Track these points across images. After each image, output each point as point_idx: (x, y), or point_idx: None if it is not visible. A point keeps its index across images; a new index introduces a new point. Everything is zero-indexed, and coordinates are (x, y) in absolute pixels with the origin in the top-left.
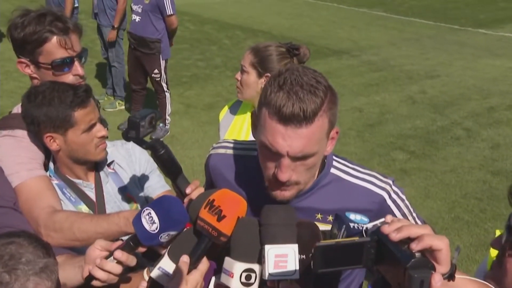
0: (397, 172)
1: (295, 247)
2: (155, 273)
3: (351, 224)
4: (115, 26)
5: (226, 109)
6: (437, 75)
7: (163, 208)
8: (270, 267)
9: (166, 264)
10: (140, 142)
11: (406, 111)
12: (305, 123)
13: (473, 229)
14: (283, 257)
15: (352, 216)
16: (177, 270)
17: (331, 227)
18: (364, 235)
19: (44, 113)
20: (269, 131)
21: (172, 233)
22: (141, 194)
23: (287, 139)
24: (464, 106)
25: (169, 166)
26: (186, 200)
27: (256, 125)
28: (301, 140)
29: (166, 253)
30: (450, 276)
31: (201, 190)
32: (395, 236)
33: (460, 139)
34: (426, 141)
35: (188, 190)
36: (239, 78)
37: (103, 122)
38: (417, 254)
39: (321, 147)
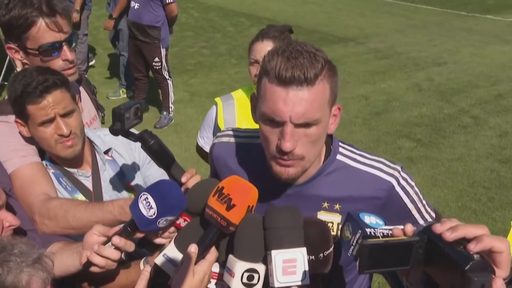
0: (404, 161)
1: (303, 250)
2: (159, 259)
3: (368, 230)
4: (114, 16)
5: (221, 106)
6: (444, 62)
7: (160, 193)
8: (279, 274)
9: (171, 252)
10: (127, 134)
11: (413, 98)
12: (306, 85)
13: (481, 218)
14: (291, 262)
15: (367, 218)
16: (184, 260)
17: (343, 229)
18: None
19: (9, 97)
20: (270, 98)
21: (170, 218)
22: (141, 183)
23: (289, 103)
24: (471, 94)
25: (161, 156)
26: (183, 189)
27: (255, 108)
28: (303, 103)
29: (173, 240)
30: (511, 281)
31: (198, 178)
32: (450, 236)
33: (468, 127)
34: (433, 129)
35: (183, 179)
36: None
37: (100, 108)
38: (476, 256)
39: (323, 117)
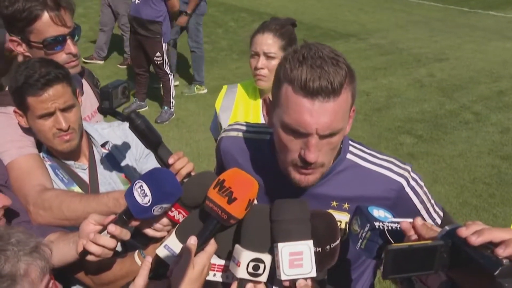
0: (405, 157)
1: (310, 243)
2: (160, 250)
3: (376, 223)
4: (189, 12)
5: (224, 91)
6: (446, 58)
7: (155, 181)
8: (285, 266)
9: (172, 243)
10: (115, 114)
11: (414, 94)
12: (332, 96)
13: (482, 214)
14: (298, 254)
15: (375, 212)
16: (184, 252)
17: (351, 222)
18: (388, 235)
19: (10, 87)
20: (294, 109)
21: (165, 205)
22: (138, 176)
23: (315, 115)
24: (473, 90)
25: (148, 137)
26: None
27: (269, 111)
28: (329, 115)
29: (174, 232)
30: None
31: (185, 160)
32: (476, 240)
33: (469, 123)
34: (434, 125)
35: (171, 160)
36: (265, 66)
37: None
38: (505, 261)
39: (345, 124)
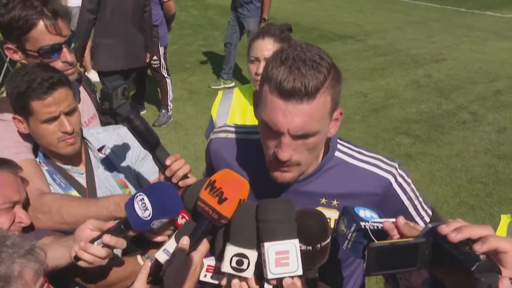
0: (402, 157)
1: (295, 242)
2: (160, 254)
3: (362, 223)
4: (266, 17)
5: (219, 97)
6: (443, 59)
7: (157, 195)
8: (272, 266)
9: (172, 247)
10: (114, 114)
11: (412, 95)
12: (306, 99)
13: (479, 214)
14: (284, 253)
15: (361, 212)
16: (177, 252)
17: (338, 222)
18: (371, 235)
19: (10, 93)
20: (270, 108)
21: (165, 220)
22: (134, 180)
23: (288, 115)
24: (470, 90)
25: (147, 137)
26: (167, 172)
27: (258, 105)
28: (302, 117)
29: (174, 236)
30: None
31: (182, 161)
32: (455, 237)
33: (466, 123)
34: (431, 126)
35: (168, 162)
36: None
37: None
38: (482, 257)
39: (323, 127)
